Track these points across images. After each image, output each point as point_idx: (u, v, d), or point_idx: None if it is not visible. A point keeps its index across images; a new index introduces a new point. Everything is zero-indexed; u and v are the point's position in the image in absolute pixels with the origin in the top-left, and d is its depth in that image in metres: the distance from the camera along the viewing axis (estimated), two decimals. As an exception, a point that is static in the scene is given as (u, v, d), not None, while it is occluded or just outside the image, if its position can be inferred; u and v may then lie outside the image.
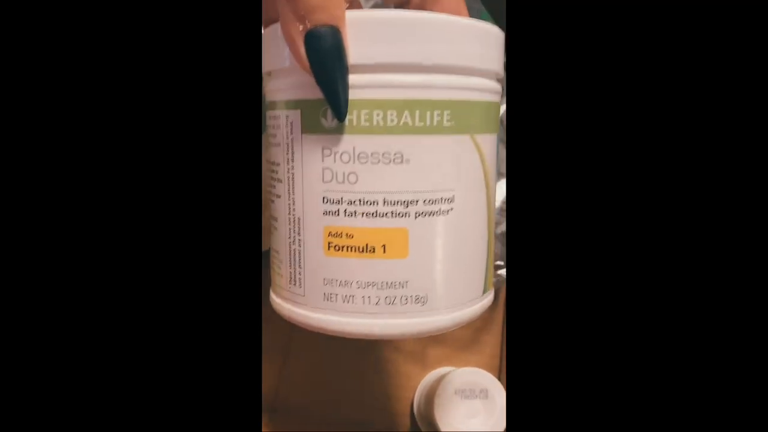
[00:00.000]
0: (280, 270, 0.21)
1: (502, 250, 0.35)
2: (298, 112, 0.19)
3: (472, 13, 0.35)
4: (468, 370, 0.34)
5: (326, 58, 0.17)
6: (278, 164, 0.20)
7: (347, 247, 0.19)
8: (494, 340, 0.40)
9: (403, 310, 0.20)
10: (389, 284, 0.19)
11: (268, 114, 0.21)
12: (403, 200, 0.19)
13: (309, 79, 0.18)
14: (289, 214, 0.20)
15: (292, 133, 0.20)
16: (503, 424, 0.33)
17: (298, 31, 0.17)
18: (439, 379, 0.35)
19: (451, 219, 0.20)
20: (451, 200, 0.20)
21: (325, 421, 0.38)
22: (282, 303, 0.22)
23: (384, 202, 0.19)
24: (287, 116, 0.20)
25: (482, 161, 0.20)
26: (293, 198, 0.20)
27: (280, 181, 0.20)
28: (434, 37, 0.18)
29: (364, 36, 0.18)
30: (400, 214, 0.19)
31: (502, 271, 0.35)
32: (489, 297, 0.23)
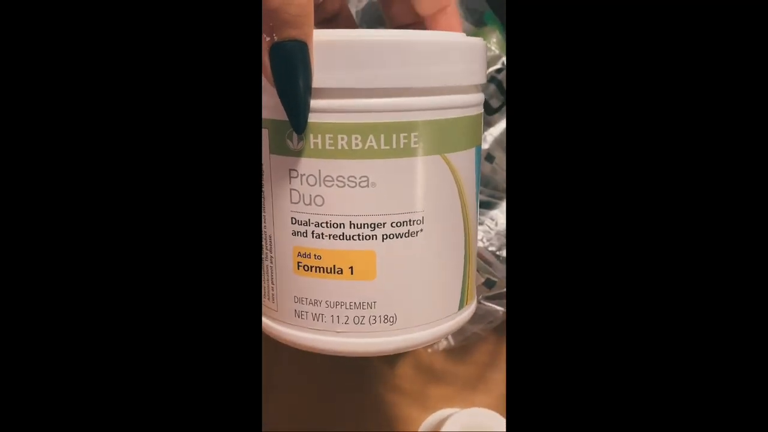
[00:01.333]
0: (265, 283, 0.22)
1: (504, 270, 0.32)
2: (266, 131, 0.20)
3: (476, 15, 0.34)
4: (473, 411, 0.33)
5: (289, 71, 0.18)
6: (262, 182, 0.21)
7: (316, 267, 0.20)
8: (502, 377, 0.37)
9: (371, 329, 0.20)
10: (357, 304, 0.20)
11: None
12: (369, 223, 0.19)
13: (276, 100, 0.18)
14: (265, 229, 0.21)
15: (265, 152, 0.20)
16: None
17: (266, 43, 0.18)
18: (441, 423, 0.32)
19: (421, 240, 0.20)
20: (420, 222, 0.20)
21: None
22: (264, 318, 0.22)
23: (351, 225, 0.19)
24: (263, 133, 0.20)
25: (456, 179, 0.20)
26: (265, 216, 0.21)
27: (264, 196, 0.21)
28: (396, 59, 0.19)
29: (329, 60, 0.18)
30: (367, 237, 0.19)
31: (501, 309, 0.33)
32: (468, 311, 0.23)
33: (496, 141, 0.30)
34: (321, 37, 0.18)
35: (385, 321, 0.20)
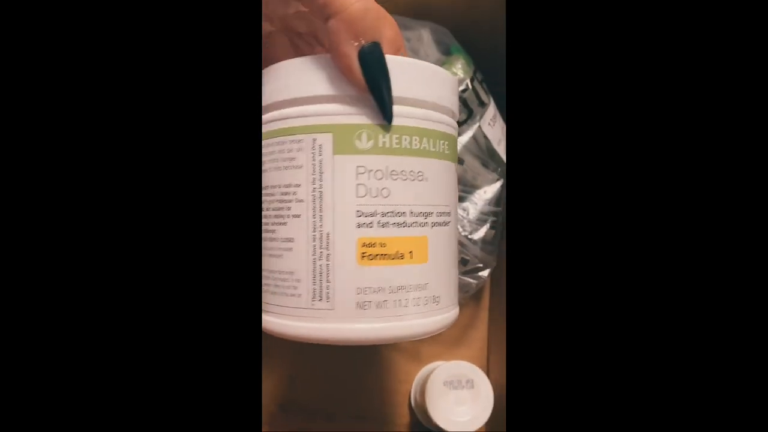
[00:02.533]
0: (295, 291, 0.21)
1: (482, 254, 0.38)
2: (330, 135, 0.20)
3: (444, 47, 0.39)
4: (454, 364, 0.38)
5: (381, 70, 0.20)
6: (297, 185, 0.21)
7: (381, 255, 0.20)
8: (481, 335, 0.43)
9: (424, 311, 0.21)
10: (415, 287, 0.21)
11: (279, 140, 0.22)
12: (424, 212, 0.21)
13: (338, 107, 0.20)
14: (314, 231, 0.20)
15: (321, 155, 0.20)
16: (489, 411, 0.37)
17: (353, 48, 0.19)
18: (430, 373, 0.38)
19: (451, 230, 0.23)
20: (449, 214, 0.22)
21: (334, 412, 0.42)
22: (300, 324, 0.21)
23: (410, 213, 0.21)
24: (314, 139, 0.21)
25: (456, 185, 0.24)
26: (321, 215, 0.20)
27: (300, 200, 0.21)
28: (448, 87, 0.22)
29: (397, 76, 0.21)
30: (422, 224, 0.21)
31: (484, 272, 0.39)
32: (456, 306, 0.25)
33: (465, 147, 0.36)
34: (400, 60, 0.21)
35: (434, 302, 0.21)
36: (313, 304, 0.21)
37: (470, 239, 0.37)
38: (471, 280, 0.37)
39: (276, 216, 0.22)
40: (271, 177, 0.22)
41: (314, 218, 0.21)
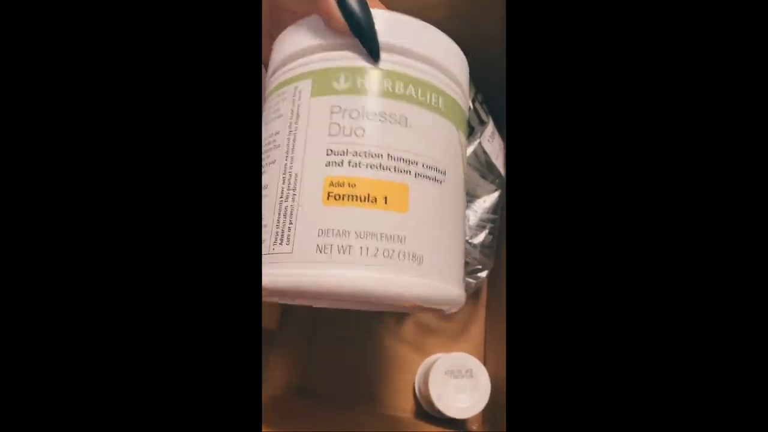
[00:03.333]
0: (264, 238, 0.19)
1: (481, 257, 0.42)
2: (309, 81, 0.20)
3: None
4: (455, 355, 0.40)
5: (363, 10, 0.19)
6: (277, 133, 0.20)
7: (349, 196, 0.18)
8: (479, 330, 0.47)
9: (400, 267, 0.18)
10: (388, 237, 0.18)
11: (270, 99, 0.21)
12: (405, 158, 0.19)
13: (321, 55, 0.20)
14: (284, 173, 0.19)
15: (299, 100, 0.20)
16: (486, 398, 0.40)
17: None
18: (433, 363, 0.41)
19: (444, 190, 0.20)
20: (444, 173, 0.20)
21: (344, 398, 0.45)
22: (265, 263, 0.19)
23: (388, 157, 0.19)
24: (296, 87, 0.20)
25: (463, 158, 0.21)
26: (291, 156, 0.19)
27: (277, 146, 0.20)
28: (442, 49, 0.21)
29: (391, 27, 0.20)
30: (402, 171, 0.19)
31: (483, 273, 0.42)
32: (463, 290, 0.21)
33: (467, 161, 0.40)
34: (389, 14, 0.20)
35: (413, 259, 0.18)
36: (273, 249, 0.18)
37: (471, 243, 0.41)
38: (471, 280, 0.41)
39: (263, 169, 0.20)
40: (264, 134, 0.21)
41: (287, 161, 0.19)
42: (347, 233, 0.18)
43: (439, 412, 0.39)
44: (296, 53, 0.21)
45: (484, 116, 0.41)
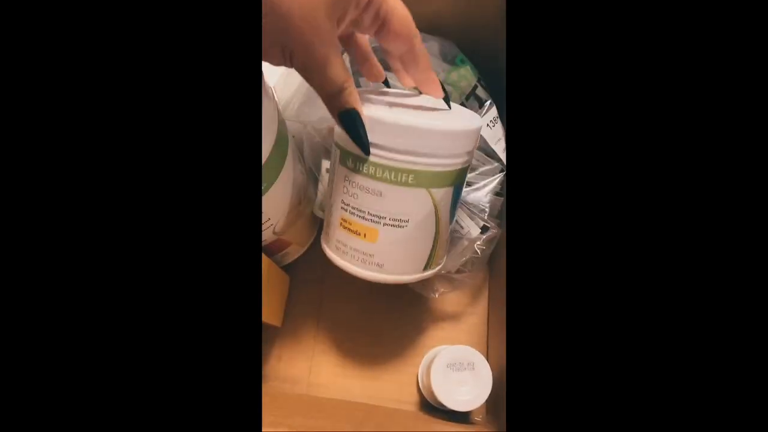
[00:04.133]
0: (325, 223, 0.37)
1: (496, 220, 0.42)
2: (338, 151, 0.33)
3: (450, 58, 0.42)
4: (457, 348, 0.40)
5: (357, 125, 0.29)
6: (331, 172, 0.34)
7: (349, 229, 0.34)
8: (481, 322, 0.47)
9: (370, 268, 0.34)
10: (364, 253, 0.34)
11: (333, 141, 0.34)
12: (378, 215, 0.32)
13: (346, 136, 0.30)
14: (329, 200, 0.35)
15: (336, 160, 0.33)
16: (488, 390, 0.39)
17: (336, 112, 0.29)
18: (435, 356, 0.41)
19: (404, 230, 0.33)
20: (407, 221, 0.32)
21: (350, 389, 0.45)
22: (322, 241, 0.37)
23: (369, 213, 0.32)
24: (335, 150, 0.33)
25: (434, 204, 0.32)
26: (331, 193, 0.35)
27: (330, 180, 0.35)
28: (410, 138, 0.30)
29: (372, 128, 0.30)
30: (375, 221, 0.32)
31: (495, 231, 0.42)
32: (430, 272, 0.36)
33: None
34: (374, 115, 0.29)
35: (377, 266, 0.34)
36: (324, 236, 0.37)
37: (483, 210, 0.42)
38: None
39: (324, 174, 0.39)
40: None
41: (329, 195, 0.35)
42: (346, 245, 0.34)
43: (441, 404, 0.39)
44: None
45: (487, 98, 0.40)
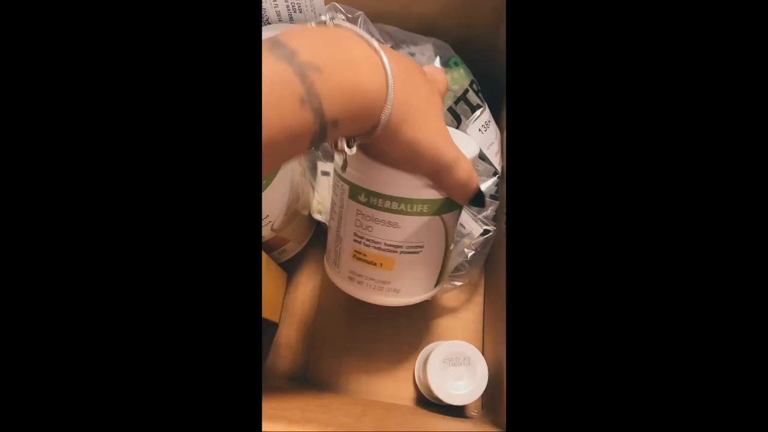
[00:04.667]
0: (327, 245, 0.38)
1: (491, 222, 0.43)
2: (347, 186, 0.32)
3: (444, 59, 0.43)
4: (453, 343, 0.41)
5: (481, 198, 0.30)
6: (335, 204, 0.34)
7: (364, 260, 0.34)
8: (477, 319, 0.48)
9: (386, 294, 0.35)
10: (380, 281, 0.34)
11: (335, 175, 0.34)
12: (395, 245, 0.33)
13: (363, 175, 0.31)
14: (337, 234, 0.35)
15: (344, 195, 0.33)
16: (484, 385, 0.40)
17: (471, 189, 0.30)
18: (432, 351, 0.41)
19: (419, 257, 0.34)
20: (421, 247, 0.33)
21: (347, 385, 0.45)
22: (329, 270, 0.38)
23: (385, 244, 0.33)
24: (342, 185, 0.33)
25: (444, 227, 0.33)
26: (339, 226, 0.35)
27: (335, 212, 0.35)
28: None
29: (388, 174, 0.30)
30: (392, 251, 0.33)
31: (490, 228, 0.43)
32: (437, 289, 0.38)
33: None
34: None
35: (394, 292, 0.35)
36: (332, 266, 0.37)
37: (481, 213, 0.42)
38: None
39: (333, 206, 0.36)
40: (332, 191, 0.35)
41: (337, 228, 0.35)
42: (360, 276, 0.35)
43: (438, 399, 0.40)
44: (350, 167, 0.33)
45: (479, 103, 0.41)
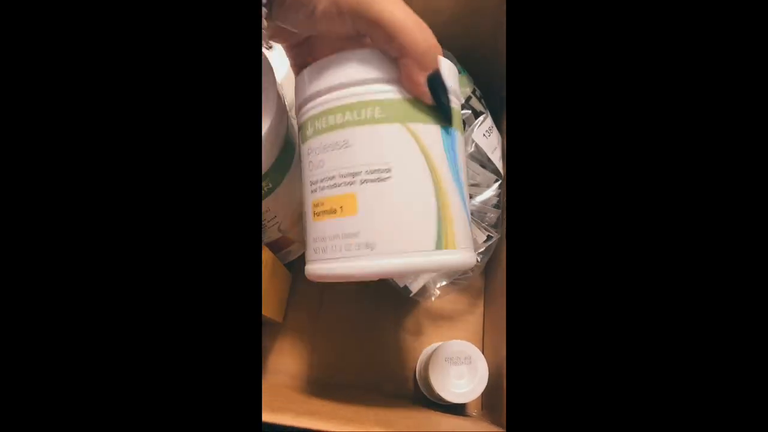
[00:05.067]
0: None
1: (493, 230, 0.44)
2: (299, 135, 0.28)
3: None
4: (455, 342, 0.41)
5: (442, 88, 0.24)
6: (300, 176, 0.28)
7: (321, 212, 0.26)
8: (477, 319, 0.48)
9: (356, 254, 0.24)
10: (345, 235, 0.25)
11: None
12: (351, 172, 0.25)
13: (301, 110, 0.27)
14: (303, 210, 0.28)
15: (300, 146, 0.28)
16: (484, 384, 0.40)
17: (424, 77, 0.24)
18: (434, 351, 0.42)
19: (390, 185, 0.24)
20: (388, 170, 0.24)
21: (349, 385, 0.46)
22: (306, 267, 0.28)
23: (339, 176, 0.25)
24: (298, 134, 0.28)
25: (418, 143, 0.25)
26: (303, 192, 0.28)
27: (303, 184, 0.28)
28: (367, 58, 0.25)
29: (318, 74, 0.25)
30: (348, 183, 0.25)
31: (494, 236, 0.44)
32: (447, 255, 0.25)
33: (468, 153, 0.42)
34: (317, 65, 0.25)
35: (366, 247, 0.24)
36: (306, 262, 0.28)
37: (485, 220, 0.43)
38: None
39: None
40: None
41: (303, 198, 0.28)
42: (323, 239, 0.25)
43: (439, 397, 0.40)
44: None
45: (482, 109, 0.43)
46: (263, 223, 0.40)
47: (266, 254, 0.39)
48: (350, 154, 0.24)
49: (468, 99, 0.42)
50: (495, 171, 0.44)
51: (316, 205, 0.26)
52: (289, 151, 0.36)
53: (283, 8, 0.24)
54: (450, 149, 0.26)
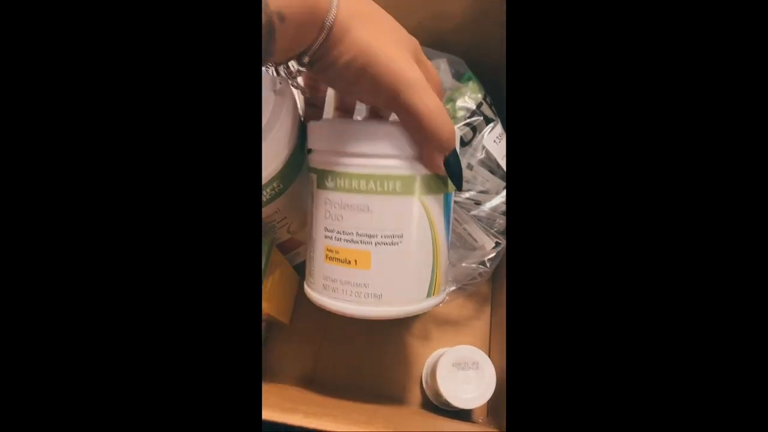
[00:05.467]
0: (307, 265, 0.33)
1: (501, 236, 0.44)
2: (314, 176, 0.30)
3: (458, 74, 0.45)
4: (463, 348, 0.41)
5: (458, 166, 0.28)
6: (308, 206, 0.31)
7: (336, 259, 0.30)
8: (484, 325, 0.48)
9: (365, 302, 0.30)
10: (357, 284, 0.29)
11: (308, 171, 0.32)
12: (368, 234, 0.29)
13: (323, 158, 0.29)
14: (310, 237, 0.32)
15: (313, 187, 0.30)
16: (492, 389, 0.40)
17: (442, 159, 0.27)
18: (441, 356, 0.42)
19: (400, 248, 0.29)
20: (399, 237, 0.29)
21: (354, 389, 0.45)
22: (306, 287, 0.33)
23: (357, 234, 0.29)
24: (311, 177, 0.31)
25: (427, 214, 0.30)
26: (312, 228, 0.31)
27: (309, 215, 0.32)
28: (393, 137, 0.28)
29: (347, 134, 0.28)
30: (366, 242, 0.29)
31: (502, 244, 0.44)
32: (434, 300, 0.32)
33: (477, 158, 0.42)
34: (346, 126, 0.30)
35: (375, 297, 0.29)
36: (307, 276, 0.33)
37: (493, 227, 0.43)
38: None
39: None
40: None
41: (311, 227, 0.31)
42: (335, 281, 0.30)
43: (445, 403, 0.40)
44: (313, 153, 0.31)
45: (492, 116, 0.43)
46: (273, 223, 0.40)
47: (276, 255, 0.39)
48: (369, 218, 0.28)
49: (479, 105, 0.42)
50: (504, 177, 0.44)
51: (329, 250, 0.30)
52: (301, 153, 0.37)
53: (323, 73, 0.27)
54: (447, 209, 0.31)
